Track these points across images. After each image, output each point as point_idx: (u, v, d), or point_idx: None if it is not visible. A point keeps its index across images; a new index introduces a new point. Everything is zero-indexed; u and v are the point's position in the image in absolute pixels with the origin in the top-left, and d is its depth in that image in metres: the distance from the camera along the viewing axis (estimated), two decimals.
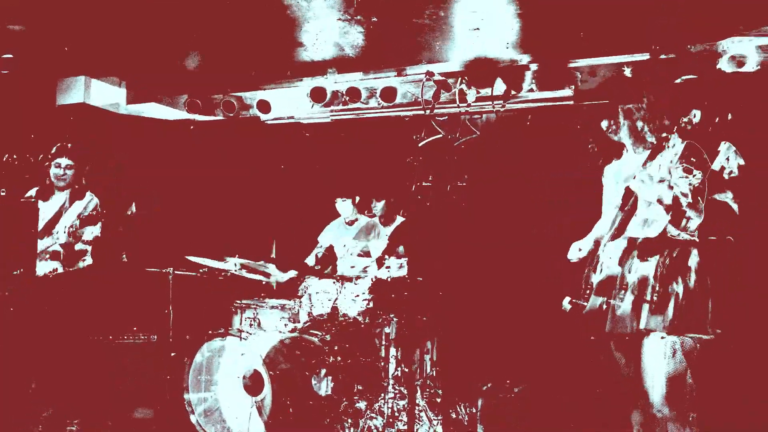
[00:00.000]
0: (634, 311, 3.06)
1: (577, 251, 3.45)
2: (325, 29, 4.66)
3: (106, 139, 5.81)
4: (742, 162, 2.95)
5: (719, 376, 3.46)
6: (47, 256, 4.35)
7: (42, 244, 4.30)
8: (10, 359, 4.27)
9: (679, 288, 3.01)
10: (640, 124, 3.20)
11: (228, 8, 4.35)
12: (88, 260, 4.52)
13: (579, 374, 4.27)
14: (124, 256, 4.85)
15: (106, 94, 5.92)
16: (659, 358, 3.05)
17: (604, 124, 3.29)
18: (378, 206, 5.62)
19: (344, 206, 5.57)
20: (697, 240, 3.04)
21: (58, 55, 5.24)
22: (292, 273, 5.33)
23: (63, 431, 4.31)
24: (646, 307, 3.04)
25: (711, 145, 3.03)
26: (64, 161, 4.44)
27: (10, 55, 4.94)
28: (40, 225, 4.26)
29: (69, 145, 4.47)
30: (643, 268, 3.08)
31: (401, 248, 5.17)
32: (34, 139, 4.97)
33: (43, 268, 4.31)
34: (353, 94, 5.61)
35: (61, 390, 4.34)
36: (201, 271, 4.88)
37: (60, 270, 4.37)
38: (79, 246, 4.41)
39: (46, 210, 4.37)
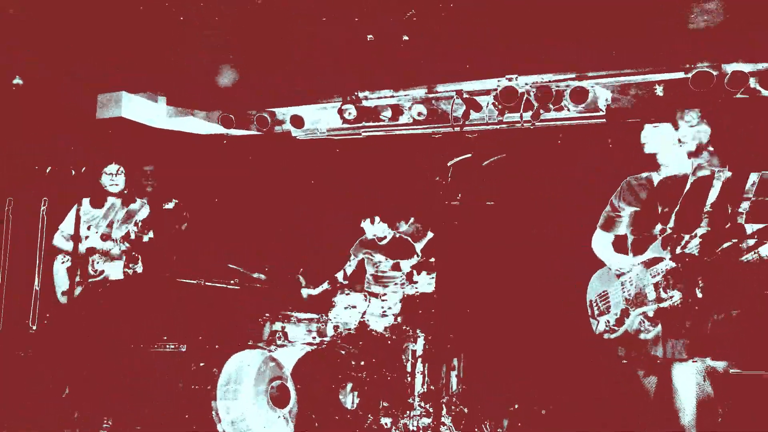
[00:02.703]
0: (667, 336, 3.02)
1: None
2: (356, 48, 4.72)
3: (143, 151, 5.96)
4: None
5: (751, 402, 3.39)
6: (105, 259, 4.44)
7: (101, 247, 4.41)
8: (50, 360, 4.40)
9: (713, 313, 2.96)
10: (682, 142, 3.17)
11: (261, 28, 4.45)
12: (140, 267, 4.62)
13: (607, 398, 4.21)
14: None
15: (143, 109, 6.08)
16: (691, 383, 3.00)
17: (647, 132, 3.23)
18: (404, 226, 5.66)
19: (372, 227, 5.61)
20: (730, 265, 2.98)
21: (98, 70, 5.41)
22: (325, 286, 5.39)
23: (97, 428, 4.41)
24: (679, 331, 2.99)
25: (745, 167, 2.98)
26: (112, 168, 4.56)
27: (20, 81, 5.10)
28: (97, 230, 4.38)
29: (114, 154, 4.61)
30: (675, 293, 3.03)
31: (432, 260, 5.17)
32: (74, 151, 5.12)
33: (109, 270, 4.42)
34: (384, 110, 5.67)
35: (95, 393, 4.43)
36: (231, 282, 4.97)
37: (113, 274, 4.44)
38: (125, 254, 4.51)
39: (99, 216, 4.47)
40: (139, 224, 4.46)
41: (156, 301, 5.45)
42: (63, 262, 4.49)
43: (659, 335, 3.05)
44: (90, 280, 4.38)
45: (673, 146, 3.19)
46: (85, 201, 4.57)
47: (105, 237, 4.44)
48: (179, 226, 4.64)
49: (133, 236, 4.42)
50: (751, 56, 4.56)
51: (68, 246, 4.40)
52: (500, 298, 5.30)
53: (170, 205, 4.43)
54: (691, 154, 3.17)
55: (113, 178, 4.54)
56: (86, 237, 4.49)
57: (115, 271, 4.44)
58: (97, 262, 4.40)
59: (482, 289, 5.16)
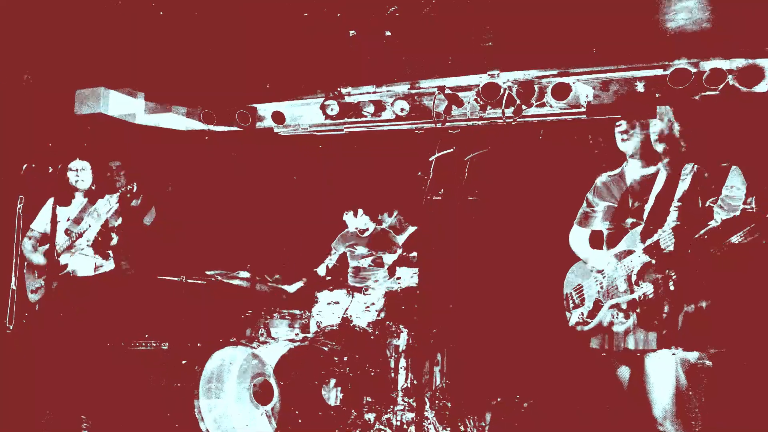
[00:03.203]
0: (639, 327, 3.07)
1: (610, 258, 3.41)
2: (338, 43, 4.71)
3: (122, 148, 5.90)
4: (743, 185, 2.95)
5: (724, 392, 3.44)
6: (71, 257, 4.39)
7: (64, 245, 4.37)
8: (25, 360, 4.35)
9: (684, 304, 3.01)
10: (654, 137, 3.21)
11: (243, 22, 4.42)
12: (109, 265, 4.57)
13: (588, 390, 4.25)
14: (125, 263, 4.88)
15: (123, 105, 6.01)
16: (664, 374, 3.04)
17: (622, 127, 3.28)
18: (388, 220, 5.67)
19: (355, 220, 5.61)
20: (700, 257, 3.03)
21: (76, 66, 5.34)
22: (299, 284, 5.37)
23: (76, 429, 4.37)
24: (650, 323, 3.04)
25: (717, 162, 3.03)
26: (77, 164, 4.51)
27: (29, 77, 5.05)
28: (64, 227, 4.34)
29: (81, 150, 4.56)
30: (647, 285, 3.08)
31: (414, 255, 5.18)
32: (53, 147, 5.06)
33: (77, 266, 4.37)
34: (366, 106, 5.66)
35: (72, 392, 4.39)
36: (212, 279, 4.94)
37: (81, 270, 4.41)
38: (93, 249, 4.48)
39: (67, 214, 4.43)
40: (108, 221, 4.42)
41: (137, 299, 5.42)
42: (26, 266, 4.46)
43: (631, 327, 3.10)
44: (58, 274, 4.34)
45: (644, 142, 3.24)
46: (51, 201, 4.53)
47: (67, 232, 4.40)
48: (144, 219, 4.62)
49: (98, 233, 4.38)
50: (729, 53, 4.61)
51: (34, 254, 4.36)
52: (482, 293, 5.33)
53: (137, 202, 4.40)
54: (662, 149, 3.22)
55: (78, 174, 4.48)
56: (53, 234, 4.44)
57: (83, 267, 4.40)
58: (62, 257, 4.36)
59: (464, 284, 5.18)
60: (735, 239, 2.82)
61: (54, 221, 4.01)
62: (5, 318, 4.36)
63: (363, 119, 5.77)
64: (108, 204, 4.50)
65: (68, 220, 4.36)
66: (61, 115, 5.80)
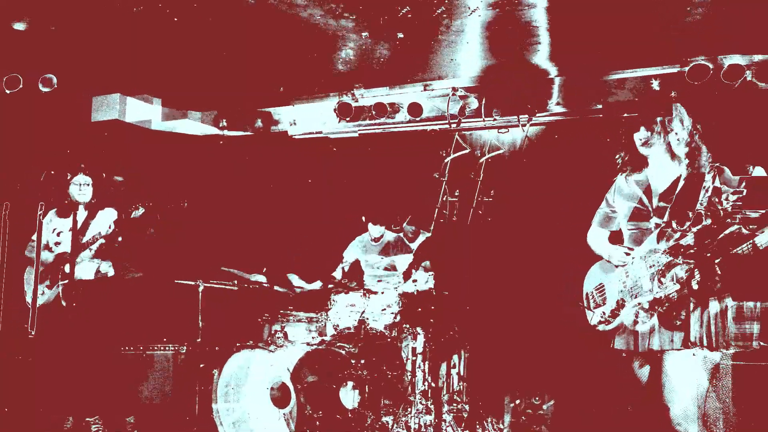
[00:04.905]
0: (663, 327, 3.04)
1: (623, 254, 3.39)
2: (351, 46, 4.72)
3: (138, 154, 5.95)
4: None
5: (746, 393, 3.40)
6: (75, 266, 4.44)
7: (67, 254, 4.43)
8: (39, 368, 4.41)
9: (705, 304, 2.98)
10: (674, 137, 3.19)
11: (257, 26, 4.44)
12: (111, 271, 4.62)
13: (608, 391, 4.22)
14: (130, 270, 4.94)
15: (139, 111, 6.07)
16: (684, 374, 3.02)
17: (642, 134, 3.25)
18: (409, 228, 5.68)
19: (373, 227, 5.63)
20: (722, 257, 3.00)
21: (93, 73, 5.40)
22: (318, 284, 5.39)
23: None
24: (674, 323, 3.01)
25: (739, 161, 3.00)
26: (81, 179, 4.58)
27: (52, 76, 5.12)
28: (66, 239, 4.41)
29: (81, 165, 4.62)
30: (670, 285, 3.05)
31: (427, 263, 5.18)
32: (70, 154, 5.11)
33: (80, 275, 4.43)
34: (380, 108, 5.66)
35: (89, 396, 4.43)
36: (229, 283, 4.97)
37: (84, 276, 4.46)
38: (97, 258, 4.53)
39: (68, 225, 4.48)
40: (108, 231, 4.48)
41: (155, 303, 5.46)
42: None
43: (655, 326, 3.08)
44: (60, 282, 4.41)
45: (665, 143, 3.22)
46: (52, 212, 4.61)
47: (73, 243, 4.46)
48: (149, 231, 4.67)
49: (100, 241, 4.45)
50: (747, 48, 4.56)
51: (44, 256, 4.43)
52: (500, 295, 5.30)
53: (138, 213, 4.46)
54: (683, 151, 3.19)
55: (81, 189, 4.56)
56: (56, 243, 4.51)
57: (85, 273, 4.47)
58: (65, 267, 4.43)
59: (481, 286, 5.16)
60: (759, 240, 2.79)
61: (41, 229, 4.14)
62: (22, 324, 4.41)
63: (376, 121, 5.78)
64: (109, 216, 4.57)
65: (70, 230, 4.43)
66: (77, 122, 5.87)
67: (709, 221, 2.94)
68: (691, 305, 2.99)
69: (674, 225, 3.08)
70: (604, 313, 3.32)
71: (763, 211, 2.80)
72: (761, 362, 3.51)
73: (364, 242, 5.76)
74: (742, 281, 2.97)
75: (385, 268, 5.48)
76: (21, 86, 5.20)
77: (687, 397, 3.00)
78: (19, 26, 4.36)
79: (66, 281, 4.39)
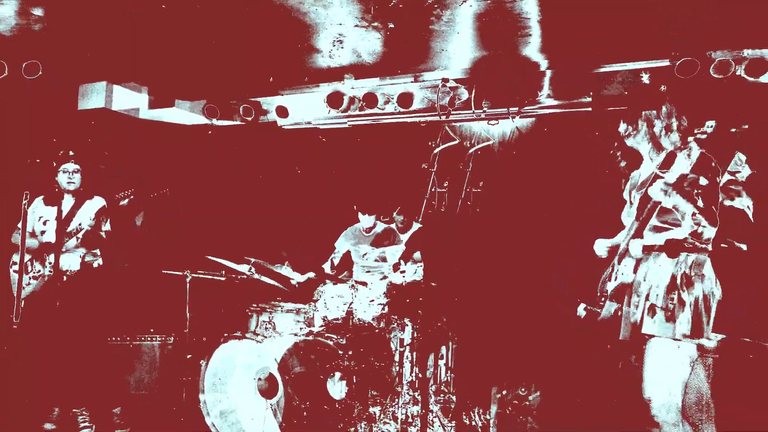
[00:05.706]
0: (648, 318, 3.06)
1: (605, 248, 3.41)
2: (342, 35, 4.70)
3: (125, 142, 5.90)
4: (749, 171, 2.93)
5: (732, 384, 3.43)
6: (61, 255, 4.41)
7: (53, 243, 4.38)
8: (24, 358, 4.37)
9: (692, 296, 3.00)
10: (658, 129, 3.19)
11: (246, 15, 4.40)
12: (99, 261, 4.57)
13: (594, 381, 4.24)
14: (119, 260, 4.90)
15: (126, 99, 6.01)
16: (671, 365, 3.03)
17: (623, 127, 3.27)
18: (399, 218, 5.68)
19: (364, 218, 5.62)
20: (711, 248, 3.02)
21: (80, 61, 5.34)
22: (310, 274, 5.38)
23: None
24: (659, 314, 3.03)
25: (725, 154, 3.01)
26: (70, 166, 4.51)
27: (38, 62, 5.06)
28: (51, 227, 4.36)
29: (71, 152, 4.55)
30: (657, 276, 3.07)
31: (417, 254, 5.17)
32: (56, 143, 5.06)
33: (65, 264, 4.39)
34: (370, 99, 5.64)
35: (75, 387, 4.41)
36: (217, 274, 4.95)
37: (71, 266, 4.43)
38: (83, 248, 4.49)
39: (54, 213, 4.43)
40: (91, 222, 4.43)
41: (142, 294, 5.43)
42: (14, 263, 4.47)
43: (649, 317, 3.08)
44: (45, 273, 4.36)
45: (648, 136, 3.23)
46: (39, 199, 4.53)
47: (58, 231, 4.41)
48: (136, 220, 4.63)
49: (86, 232, 4.40)
50: (737, 44, 4.58)
51: (30, 243, 4.39)
52: (488, 286, 5.31)
53: (125, 202, 4.41)
54: (671, 144, 3.20)
55: (71, 176, 4.48)
56: (42, 232, 4.45)
57: (72, 263, 4.41)
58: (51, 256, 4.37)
59: (469, 278, 5.16)
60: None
61: (26, 218, 4.09)
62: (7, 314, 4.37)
63: (366, 112, 5.76)
64: (96, 205, 4.51)
65: (56, 219, 4.37)
66: (65, 110, 5.81)
67: (702, 213, 2.95)
68: (676, 297, 3.01)
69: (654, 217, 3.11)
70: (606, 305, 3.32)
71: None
72: (743, 354, 3.54)
73: (356, 232, 5.75)
74: (730, 273, 3.00)
75: (376, 259, 5.48)
76: (6, 73, 5.14)
77: (668, 388, 3.02)
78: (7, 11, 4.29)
79: (51, 272, 4.34)
